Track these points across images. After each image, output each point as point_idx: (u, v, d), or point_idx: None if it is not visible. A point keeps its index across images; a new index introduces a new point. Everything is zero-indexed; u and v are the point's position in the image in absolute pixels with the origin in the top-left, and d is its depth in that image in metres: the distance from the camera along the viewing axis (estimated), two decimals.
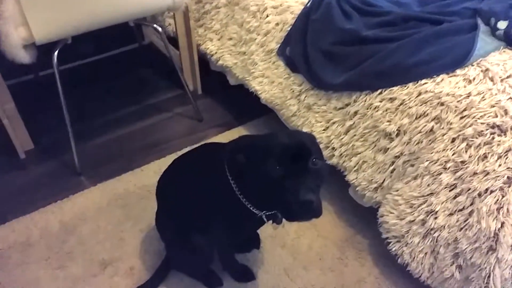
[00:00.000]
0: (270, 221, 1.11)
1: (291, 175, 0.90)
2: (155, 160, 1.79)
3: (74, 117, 1.75)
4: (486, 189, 1.06)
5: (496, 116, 1.10)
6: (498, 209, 1.04)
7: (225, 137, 1.91)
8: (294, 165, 0.90)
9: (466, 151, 1.11)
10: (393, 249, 1.27)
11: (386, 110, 1.30)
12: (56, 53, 1.61)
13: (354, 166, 1.40)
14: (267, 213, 1.08)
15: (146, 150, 1.87)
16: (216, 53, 1.94)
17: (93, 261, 1.42)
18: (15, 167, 1.79)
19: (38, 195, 1.65)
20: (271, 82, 1.70)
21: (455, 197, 1.12)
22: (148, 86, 2.26)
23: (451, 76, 1.23)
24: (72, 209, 1.59)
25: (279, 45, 1.64)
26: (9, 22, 1.47)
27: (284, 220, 1.03)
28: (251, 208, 1.06)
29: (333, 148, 1.46)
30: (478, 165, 1.09)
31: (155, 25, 1.86)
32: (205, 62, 2.10)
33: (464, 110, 1.14)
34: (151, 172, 1.73)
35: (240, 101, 2.00)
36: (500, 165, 1.06)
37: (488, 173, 1.07)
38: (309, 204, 0.88)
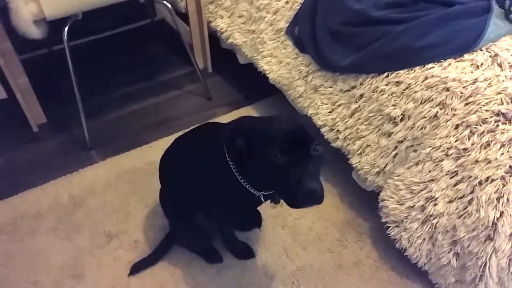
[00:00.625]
0: (268, 201, 1.12)
1: (294, 162, 0.89)
2: (163, 137, 1.81)
3: (85, 92, 1.78)
4: (487, 178, 1.05)
5: (502, 104, 1.07)
6: (498, 199, 1.03)
7: (233, 116, 1.89)
8: (297, 152, 0.90)
9: (469, 138, 1.09)
10: (392, 233, 1.27)
11: (392, 93, 1.28)
12: (66, 29, 1.62)
13: (358, 150, 1.39)
14: (265, 193, 1.10)
15: (154, 127, 1.89)
16: (226, 30, 1.92)
17: (99, 233, 1.46)
18: (28, 140, 1.84)
19: (49, 167, 1.70)
20: (279, 62, 1.68)
21: (455, 185, 1.11)
22: (158, 63, 2.27)
23: (458, 61, 1.20)
24: (81, 183, 1.64)
25: (288, 24, 1.62)
26: None
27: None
28: (249, 189, 1.08)
29: (338, 131, 1.45)
30: (480, 153, 1.07)
31: (165, 1, 1.85)
32: (216, 40, 2.09)
33: (470, 96, 1.12)
34: (159, 149, 1.74)
35: (250, 80, 1.98)
36: (502, 154, 1.04)
37: (490, 162, 1.05)
38: (314, 193, 0.88)
